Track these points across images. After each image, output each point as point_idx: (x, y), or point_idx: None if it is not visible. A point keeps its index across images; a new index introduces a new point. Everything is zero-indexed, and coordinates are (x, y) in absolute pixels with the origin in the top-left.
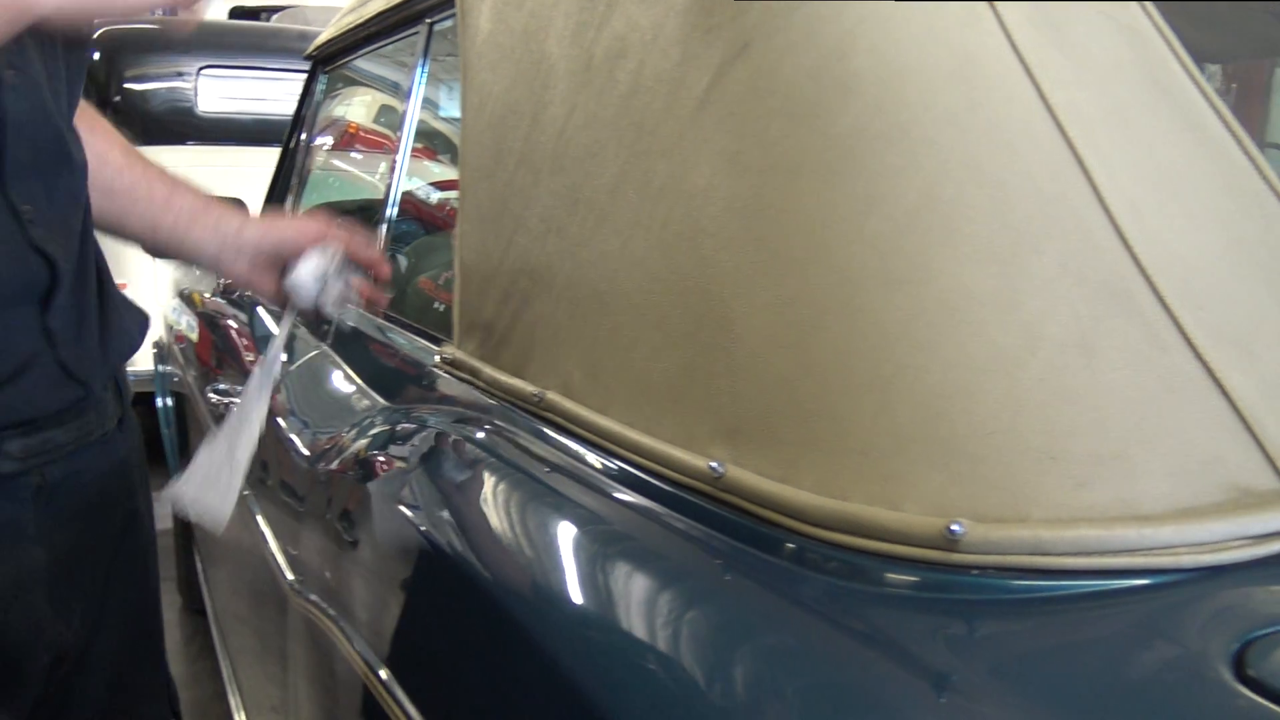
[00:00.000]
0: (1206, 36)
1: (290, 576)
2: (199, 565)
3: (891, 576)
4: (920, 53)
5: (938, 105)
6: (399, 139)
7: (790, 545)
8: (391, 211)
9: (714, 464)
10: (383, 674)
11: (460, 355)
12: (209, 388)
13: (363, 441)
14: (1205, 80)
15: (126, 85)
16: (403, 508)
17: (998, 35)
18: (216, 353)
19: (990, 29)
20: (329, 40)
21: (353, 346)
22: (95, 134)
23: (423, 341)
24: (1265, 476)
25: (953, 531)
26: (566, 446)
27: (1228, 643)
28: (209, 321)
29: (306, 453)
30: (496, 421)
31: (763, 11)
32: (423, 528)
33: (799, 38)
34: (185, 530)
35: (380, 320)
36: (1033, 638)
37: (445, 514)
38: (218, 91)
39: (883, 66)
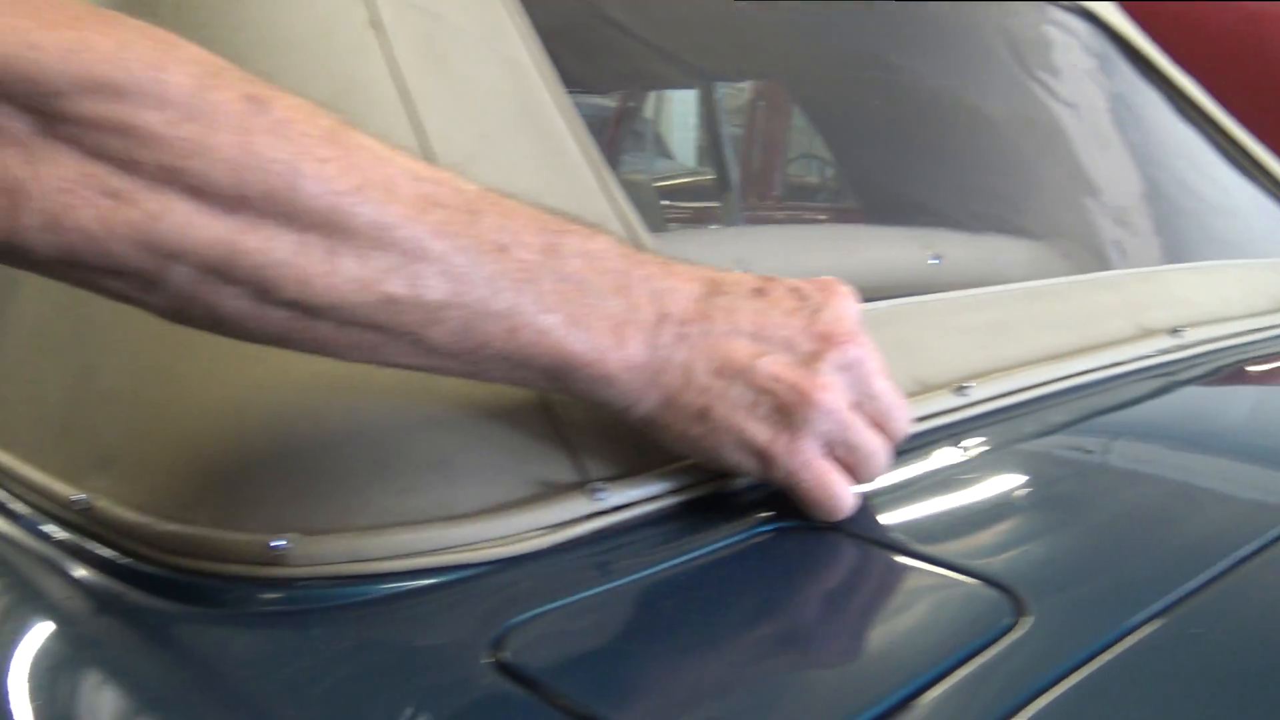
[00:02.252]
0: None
1: None
2: None
3: (225, 596)
4: (308, 79)
5: None
6: None
7: (145, 573)
8: None
9: (78, 496)
10: None
11: None
12: None
13: None
14: (573, 108)
15: None
16: None
17: (381, 63)
18: None
19: (375, 57)
20: None
21: None
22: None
23: None
24: (565, 470)
25: (275, 547)
26: None
27: (490, 629)
28: None
29: None
30: None
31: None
32: None
33: None
34: None
35: None
36: (334, 642)
37: None
38: None
39: None
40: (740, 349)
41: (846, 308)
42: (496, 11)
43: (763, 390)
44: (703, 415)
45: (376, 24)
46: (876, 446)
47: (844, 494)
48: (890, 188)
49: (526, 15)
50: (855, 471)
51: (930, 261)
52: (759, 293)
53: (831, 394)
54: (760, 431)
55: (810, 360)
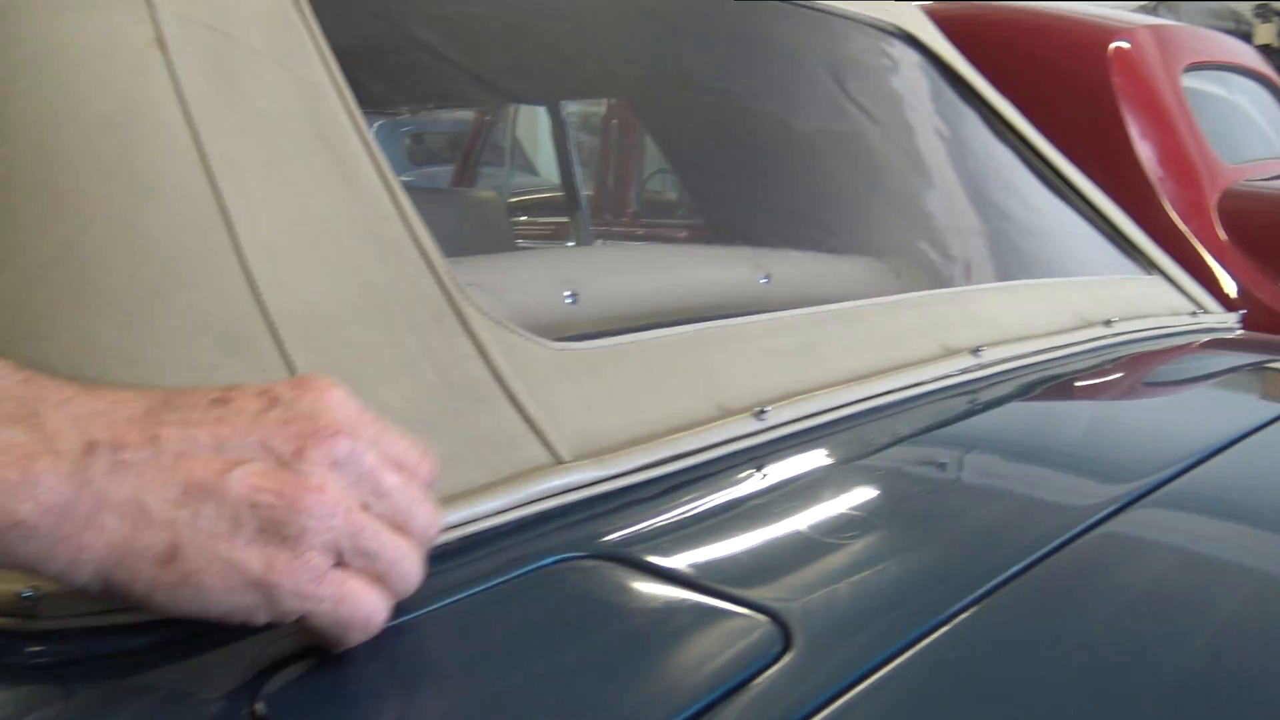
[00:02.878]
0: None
1: None
2: None
3: None
4: (83, 99)
5: (90, 154)
6: None
7: None
8: None
9: None
10: None
11: None
12: None
13: None
14: (370, 131)
15: None
16: None
17: (165, 83)
18: None
19: (159, 77)
20: None
21: None
22: None
23: None
24: None
25: (26, 598)
26: None
27: (251, 681)
28: None
29: None
30: None
31: None
32: None
33: None
34: None
35: None
36: (86, 696)
37: None
38: None
39: (42, 112)
40: (204, 466)
41: (331, 399)
42: (294, 32)
43: (242, 507)
44: (171, 557)
45: (160, 42)
46: (401, 551)
47: (374, 609)
48: (726, 207)
49: (325, 37)
50: (383, 582)
51: (759, 281)
52: (219, 402)
53: (326, 495)
54: (251, 558)
55: (294, 461)
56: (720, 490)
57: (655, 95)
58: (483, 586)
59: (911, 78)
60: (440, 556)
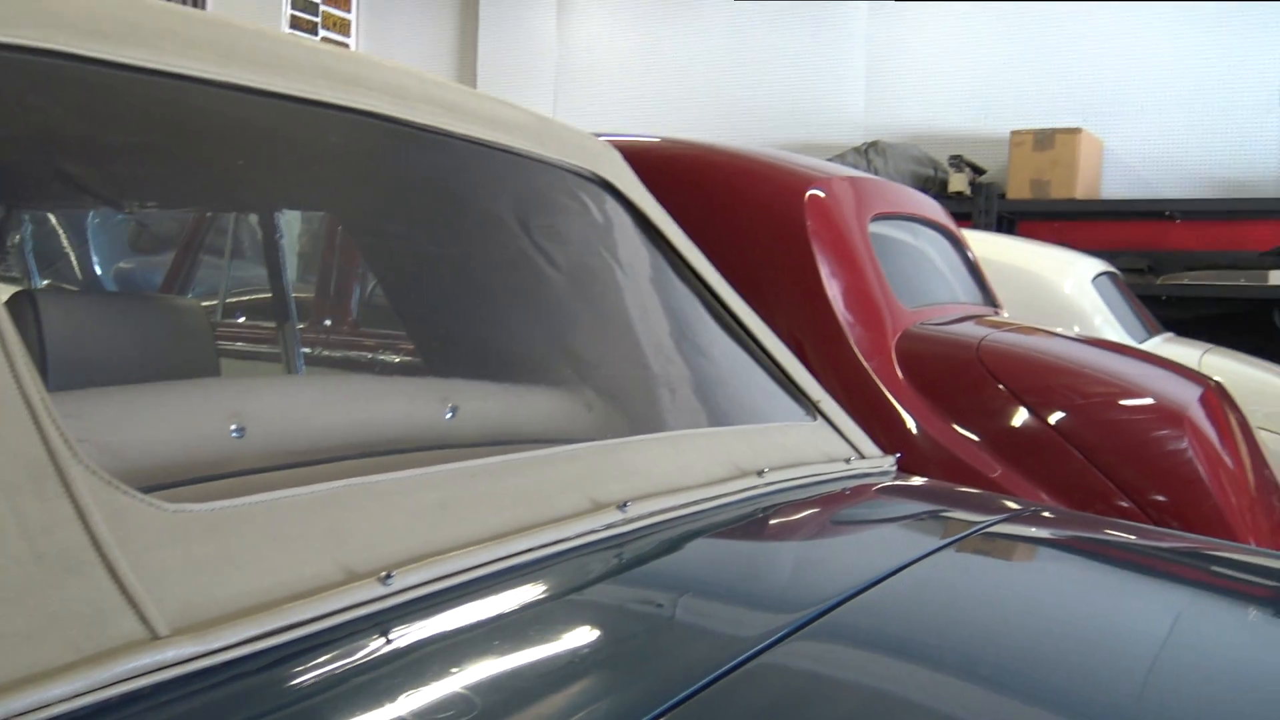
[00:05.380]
0: None
1: None
2: None
3: None
4: None
5: None
6: None
7: None
8: None
9: None
10: None
11: None
12: None
13: None
14: None
15: None
16: None
17: None
18: None
19: None
20: None
21: None
22: None
23: None
24: None
25: None
26: None
27: None
28: None
29: None
30: None
31: None
32: None
33: None
34: None
35: None
36: None
37: None
38: None
39: None
40: None
41: None
42: None
43: None
44: None
45: None
46: None
47: None
48: (426, 336)
49: None
50: None
51: (445, 416)
52: None
53: None
54: None
55: None
56: (341, 659)
57: (363, 222)
58: None
59: (602, 220)
60: None
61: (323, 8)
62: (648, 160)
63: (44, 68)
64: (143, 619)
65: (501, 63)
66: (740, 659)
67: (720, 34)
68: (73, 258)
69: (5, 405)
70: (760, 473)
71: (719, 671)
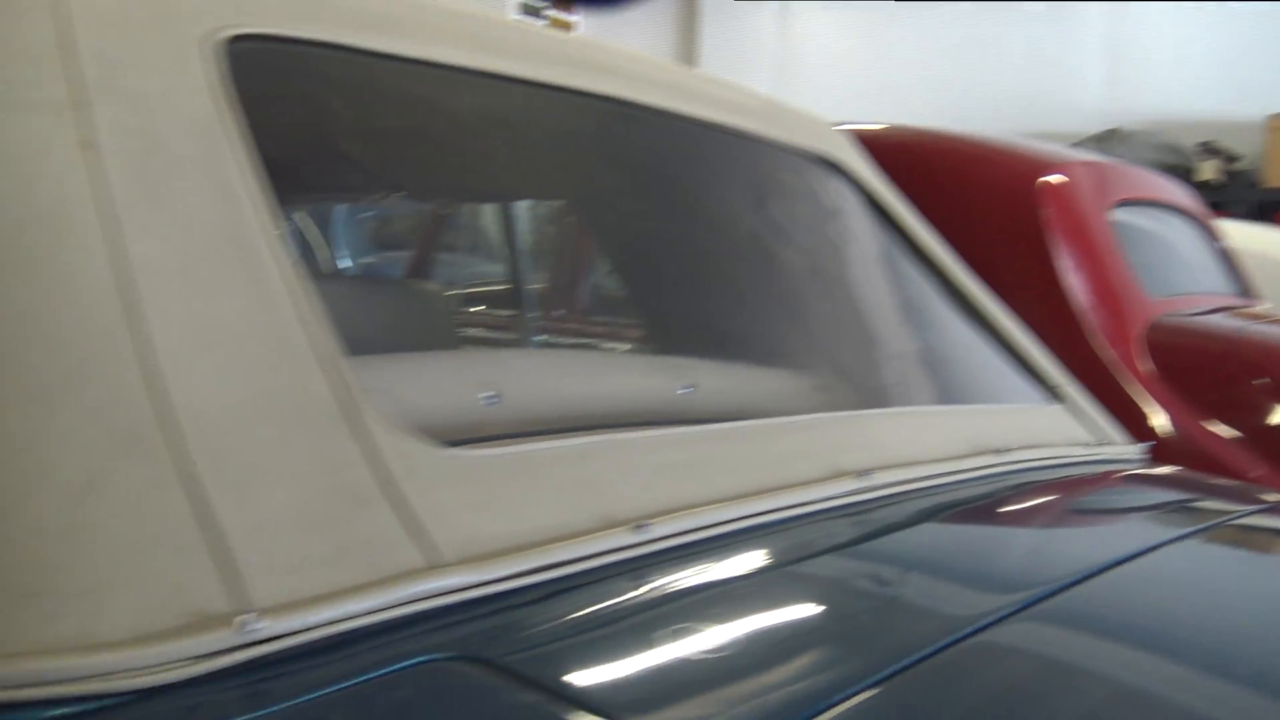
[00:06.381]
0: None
1: None
2: None
3: None
4: (8, 196)
5: (9, 249)
6: None
7: None
8: None
9: None
10: None
11: None
12: None
13: None
14: (283, 242)
15: None
16: None
17: (86, 186)
18: None
19: (81, 179)
20: None
21: None
22: None
23: None
24: (220, 601)
25: None
26: None
27: None
28: None
29: None
30: None
31: None
32: None
33: None
34: None
35: None
36: None
37: None
38: None
39: None
40: None
41: None
42: (218, 141)
43: None
44: None
45: (89, 144)
46: None
47: None
48: (659, 315)
49: (251, 146)
50: None
51: (678, 391)
52: None
53: None
54: None
55: None
56: (596, 601)
57: (598, 205)
58: (349, 683)
59: (833, 202)
60: (311, 653)
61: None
62: (873, 146)
63: (326, 59)
64: (427, 548)
65: (723, 56)
66: (964, 634)
67: (950, 22)
68: (343, 242)
69: (301, 358)
70: (999, 451)
71: (940, 645)
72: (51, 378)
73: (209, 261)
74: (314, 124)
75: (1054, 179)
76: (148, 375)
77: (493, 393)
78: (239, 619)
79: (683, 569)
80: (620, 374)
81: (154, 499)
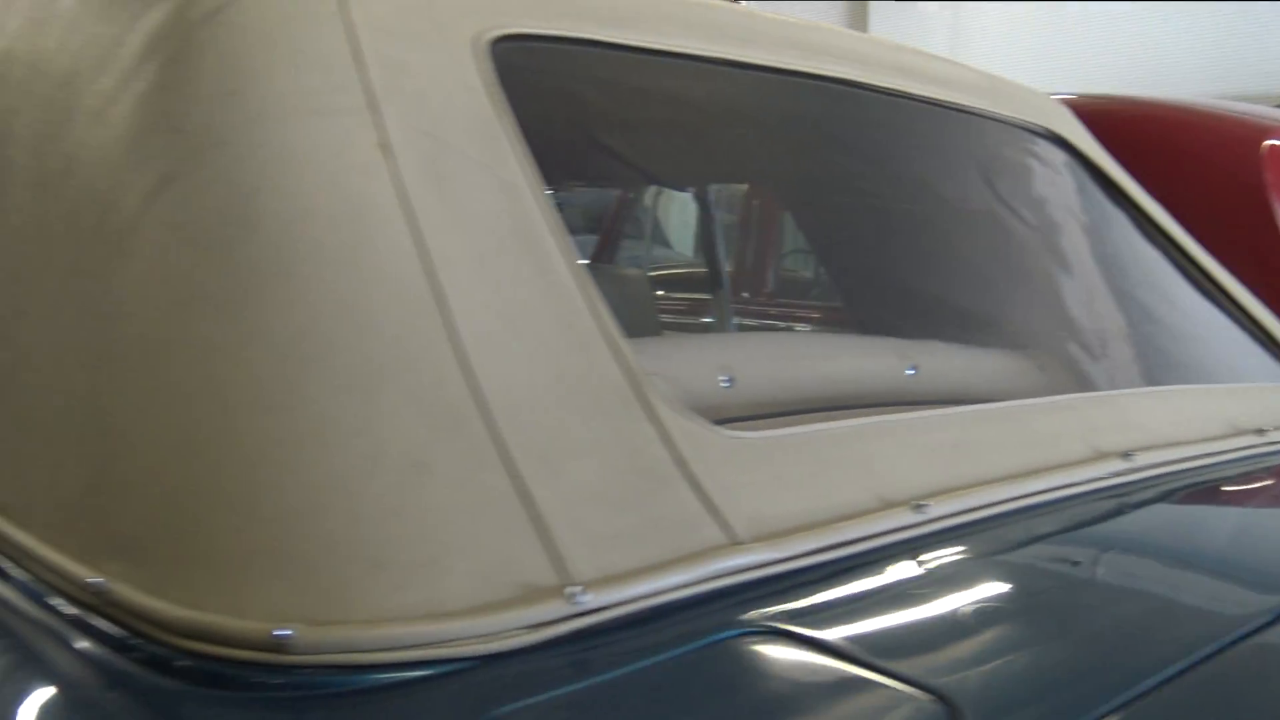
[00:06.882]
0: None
1: None
2: None
3: (232, 679)
4: (319, 196)
5: (326, 245)
6: None
7: (158, 654)
8: None
9: (94, 579)
10: None
11: None
12: None
13: None
14: (564, 232)
15: None
16: None
17: (388, 185)
18: None
19: (384, 178)
20: None
21: None
22: None
23: None
24: (547, 574)
25: (278, 635)
26: None
27: None
28: None
29: None
30: None
31: (190, 145)
32: None
33: (216, 174)
34: None
35: None
36: None
37: None
38: None
39: (285, 207)
40: None
41: None
42: (497, 139)
43: None
44: None
45: (385, 146)
46: None
47: None
48: (870, 296)
49: (523, 141)
50: None
51: (907, 373)
52: None
53: None
54: None
55: None
56: (882, 576)
57: (804, 187)
58: (668, 654)
59: (1058, 177)
60: (629, 625)
61: None
62: (1084, 116)
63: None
64: (724, 527)
65: (895, 24)
66: (1251, 629)
67: None
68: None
69: (593, 344)
70: (1260, 431)
71: (1229, 639)
72: (374, 365)
73: (500, 253)
74: (569, 117)
75: (1278, 142)
76: (460, 360)
77: (727, 376)
78: (568, 590)
79: (961, 546)
80: (846, 356)
81: (478, 476)
